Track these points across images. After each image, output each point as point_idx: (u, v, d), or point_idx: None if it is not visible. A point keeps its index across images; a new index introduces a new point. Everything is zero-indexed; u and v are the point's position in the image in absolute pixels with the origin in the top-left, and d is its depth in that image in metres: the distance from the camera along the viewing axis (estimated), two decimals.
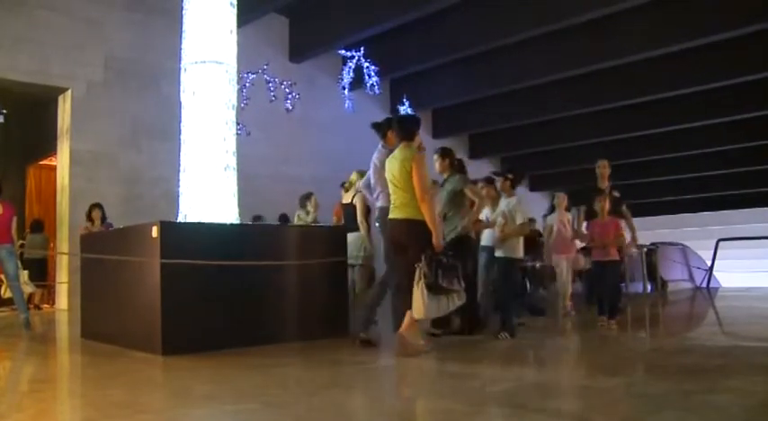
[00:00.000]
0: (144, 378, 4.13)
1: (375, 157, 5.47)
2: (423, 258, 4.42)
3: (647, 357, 4.83)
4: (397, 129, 5.06)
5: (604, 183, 6.98)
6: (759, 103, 13.14)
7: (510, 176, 5.66)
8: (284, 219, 9.76)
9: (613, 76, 12.81)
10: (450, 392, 3.57)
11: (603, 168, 7.03)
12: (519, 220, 5.56)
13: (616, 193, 6.86)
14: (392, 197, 4.85)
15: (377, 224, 5.48)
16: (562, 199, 8.02)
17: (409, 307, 4.55)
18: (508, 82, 13.26)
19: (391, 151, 5.06)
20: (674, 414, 2.86)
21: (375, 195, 5.43)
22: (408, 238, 4.65)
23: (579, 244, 8.19)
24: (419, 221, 4.59)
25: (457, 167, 6.18)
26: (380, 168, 5.21)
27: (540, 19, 10.77)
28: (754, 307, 9.99)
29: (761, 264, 17.01)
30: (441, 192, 6.08)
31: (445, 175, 6.10)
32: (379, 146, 5.59)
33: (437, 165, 6.09)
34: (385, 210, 5.11)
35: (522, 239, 5.69)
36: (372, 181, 5.47)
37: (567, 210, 7.96)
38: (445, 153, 6.12)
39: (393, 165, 4.78)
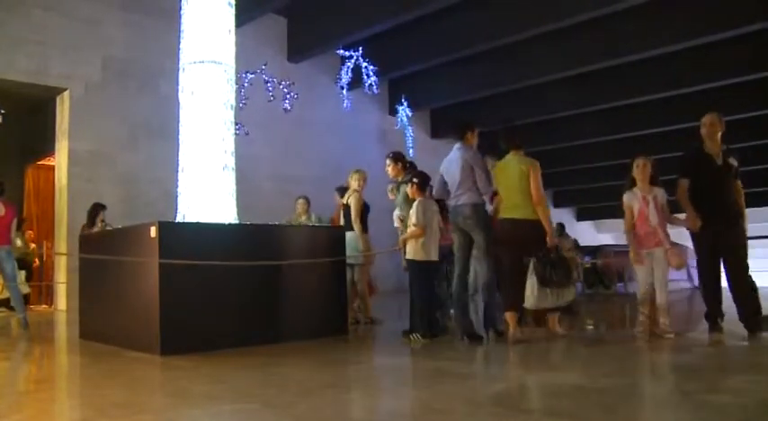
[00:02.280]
0: (142, 378, 4.12)
1: (459, 157, 5.58)
2: (535, 253, 5.13)
3: (646, 357, 4.83)
4: (507, 139, 5.69)
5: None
6: (759, 102, 13.16)
7: (415, 181, 5.67)
8: None
9: (613, 76, 12.83)
10: (449, 392, 3.56)
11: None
12: (412, 221, 5.56)
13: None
14: (505, 199, 5.45)
15: (458, 220, 5.56)
16: (643, 165, 5.45)
17: (512, 301, 5.29)
18: (507, 82, 13.28)
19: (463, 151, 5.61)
20: (673, 414, 2.86)
21: (457, 193, 5.53)
22: (526, 236, 5.22)
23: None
24: (536, 221, 5.23)
25: (410, 170, 6.31)
26: (467, 167, 5.47)
27: (539, 19, 10.78)
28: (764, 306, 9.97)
29: (759, 263, 17.04)
30: (397, 196, 6.30)
31: (399, 179, 6.36)
32: (458, 146, 5.72)
33: (389, 170, 6.39)
34: (471, 208, 5.41)
35: (425, 241, 5.53)
36: (456, 179, 5.53)
37: (654, 181, 5.47)
38: (397, 157, 6.45)
39: (509, 170, 5.43)
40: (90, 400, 3.47)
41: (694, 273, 14.42)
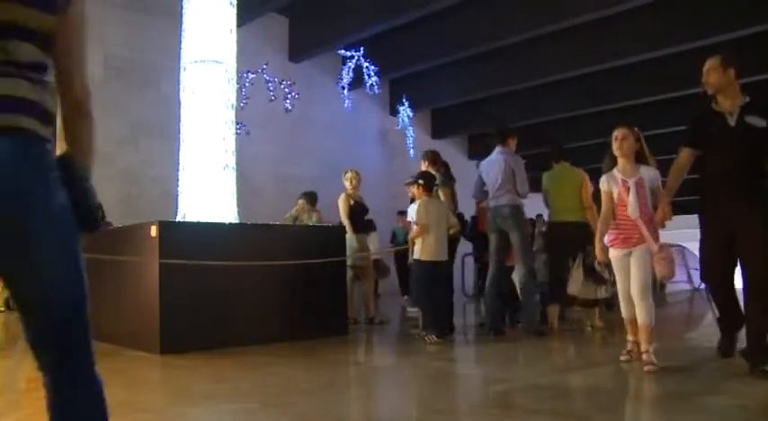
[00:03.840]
0: (142, 377, 4.12)
1: (501, 160, 5.93)
2: (584, 249, 5.54)
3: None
4: (557, 155, 6.59)
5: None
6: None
7: (421, 182, 5.77)
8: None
9: (613, 77, 12.83)
10: (449, 392, 3.57)
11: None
12: (414, 220, 5.65)
13: None
14: (557, 204, 6.28)
15: (497, 220, 5.90)
16: (621, 138, 4.11)
17: (558, 294, 5.99)
18: (508, 82, 13.28)
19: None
20: (673, 416, 2.86)
21: (497, 194, 5.86)
22: (577, 235, 5.87)
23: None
24: (584, 222, 6.05)
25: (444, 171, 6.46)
26: (509, 170, 5.84)
27: (539, 20, 10.78)
28: None
29: None
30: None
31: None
32: (499, 149, 6.06)
33: (424, 169, 6.34)
34: (510, 208, 5.79)
35: (430, 240, 5.60)
36: (498, 181, 5.87)
37: (641, 159, 4.17)
38: (435, 158, 6.51)
39: (562, 179, 6.35)
40: None
41: (695, 274, 14.44)
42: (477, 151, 16.98)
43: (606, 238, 4.18)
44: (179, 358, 4.58)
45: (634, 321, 4.11)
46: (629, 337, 4.24)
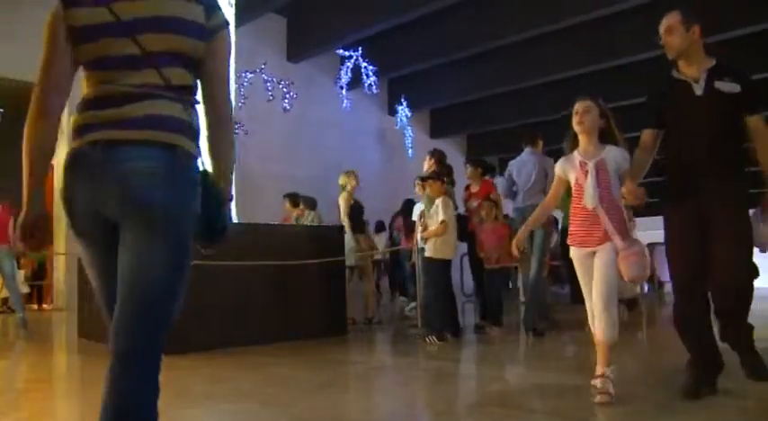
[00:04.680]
0: None
1: (535, 161, 6.14)
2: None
3: (644, 358, 4.84)
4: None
5: None
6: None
7: (446, 179, 5.90)
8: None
9: (612, 77, 12.84)
10: (449, 392, 3.57)
11: None
12: (440, 218, 5.62)
13: None
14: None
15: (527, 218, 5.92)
16: (583, 111, 3.34)
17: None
18: (507, 82, 13.28)
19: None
20: (671, 415, 2.86)
21: (527, 193, 6.06)
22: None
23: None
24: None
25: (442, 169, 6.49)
26: (542, 171, 5.98)
27: (537, 20, 10.78)
28: (754, 307, 9.98)
29: (759, 264, 17.06)
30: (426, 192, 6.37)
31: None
32: (529, 150, 6.29)
33: (427, 166, 6.57)
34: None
35: (449, 239, 5.66)
36: (530, 181, 6.07)
37: (607, 137, 3.38)
38: (441, 158, 6.59)
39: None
40: (89, 399, 3.46)
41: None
42: (476, 151, 17.01)
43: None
44: (179, 358, 4.57)
45: (608, 345, 3.22)
46: (598, 368, 3.21)
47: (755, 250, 3.10)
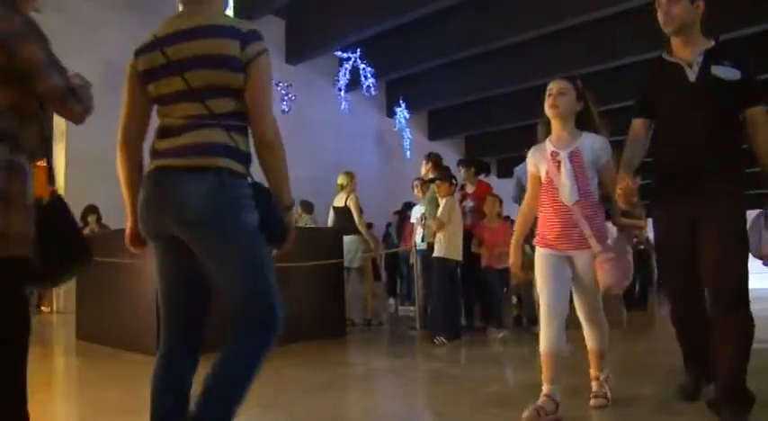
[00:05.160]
0: (140, 379, 4.10)
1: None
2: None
3: (642, 359, 4.84)
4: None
5: None
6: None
7: (454, 181, 5.98)
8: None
9: (613, 77, 12.84)
10: (448, 394, 3.57)
11: None
12: (444, 219, 5.67)
13: None
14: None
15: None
16: (557, 93, 2.94)
17: None
18: (506, 84, 13.30)
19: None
20: (668, 417, 2.86)
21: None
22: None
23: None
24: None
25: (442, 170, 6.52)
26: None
27: (537, 20, 10.80)
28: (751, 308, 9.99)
29: (757, 265, 17.08)
30: (428, 194, 6.42)
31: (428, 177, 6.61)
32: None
33: (424, 169, 6.68)
34: None
35: (457, 241, 5.71)
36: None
37: (586, 122, 3.01)
38: (438, 161, 6.67)
39: None
40: (87, 401, 3.46)
41: None
42: (475, 153, 17.03)
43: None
44: None
45: (555, 357, 2.82)
46: (544, 386, 2.86)
47: (759, 263, 2.73)
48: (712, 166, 2.68)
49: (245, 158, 1.89)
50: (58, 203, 2.12)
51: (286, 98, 12.23)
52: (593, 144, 2.85)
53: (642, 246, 9.00)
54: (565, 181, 2.80)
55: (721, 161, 2.69)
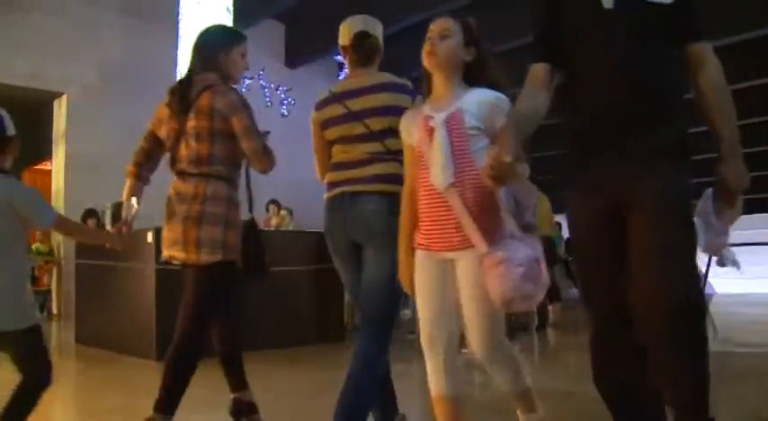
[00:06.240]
0: (139, 383, 4.11)
1: None
2: None
3: None
4: None
5: None
6: (759, 109, 13.18)
7: None
8: None
9: None
10: None
11: None
12: None
13: None
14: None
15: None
16: (438, 32, 2.21)
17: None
18: (505, 86, 13.30)
19: None
20: None
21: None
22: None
23: None
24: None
25: None
26: None
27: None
28: (748, 313, 10.01)
29: (756, 270, 17.07)
30: None
31: None
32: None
33: None
34: None
35: None
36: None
37: (484, 78, 2.25)
38: None
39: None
40: (87, 406, 3.46)
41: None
42: None
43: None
44: None
45: (453, 402, 2.07)
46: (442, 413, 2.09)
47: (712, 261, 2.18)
48: (639, 131, 1.85)
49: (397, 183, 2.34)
50: (253, 225, 2.89)
51: (285, 102, 12.24)
52: (480, 101, 2.03)
53: None
54: (436, 155, 1.98)
55: (653, 123, 1.86)
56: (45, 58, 9.92)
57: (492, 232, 1.92)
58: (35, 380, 2.41)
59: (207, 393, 3.66)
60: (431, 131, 2.03)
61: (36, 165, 12.43)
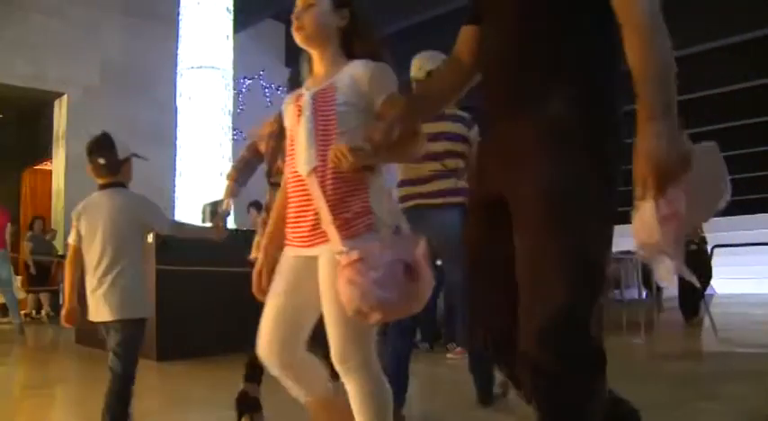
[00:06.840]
0: (139, 383, 4.09)
1: None
2: None
3: (641, 364, 4.84)
4: None
5: None
6: (756, 109, 13.18)
7: None
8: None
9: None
10: (447, 397, 3.56)
11: None
12: None
13: None
14: None
15: None
16: (306, 2, 1.83)
17: None
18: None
19: None
20: None
21: None
22: None
23: None
24: None
25: None
26: None
27: None
28: (748, 313, 10.01)
29: (756, 270, 17.06)
30: None
31: None
32: None
33: None
34: None
35: None
36: None
37: (361, 46, 1.87)
38: None
39: None
40: (87, 406, 3.45)
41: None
42: None
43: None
44: (176, 364, 4.57)
45: (331, 405, 1.94)
46: None
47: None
48: (529, 95, 1.46)
49: None
50: None
51: None
52: (354, 74, 1.74)
53: (695, 246, 8.01)
54: (300, 137, 1.72)
55: (538, 100, 1.44)
56: (45, 58, 9.92)
57: (351, 226, 1.63)
58: (124, 367, 2.53)
59: (204, 393, 3.67)
60: (300, 111, 1.76)
61: (36, 165, 12.44)
